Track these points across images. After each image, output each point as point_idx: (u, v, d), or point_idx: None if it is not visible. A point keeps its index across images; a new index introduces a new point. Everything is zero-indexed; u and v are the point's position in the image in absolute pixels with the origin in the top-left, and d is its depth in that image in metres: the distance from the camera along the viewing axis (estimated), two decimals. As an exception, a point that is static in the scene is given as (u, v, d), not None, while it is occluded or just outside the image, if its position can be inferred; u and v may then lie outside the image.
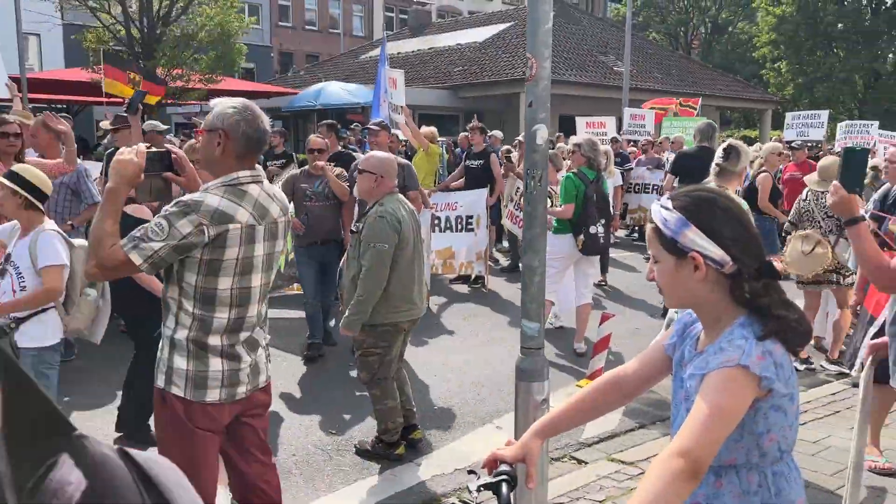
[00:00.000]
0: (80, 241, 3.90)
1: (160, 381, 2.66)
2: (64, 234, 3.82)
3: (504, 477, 1.72)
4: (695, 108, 16.20)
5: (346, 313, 4.24)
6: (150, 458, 0.63)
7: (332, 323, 6.59)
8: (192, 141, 5.18)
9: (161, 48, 17.27)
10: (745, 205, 4.59)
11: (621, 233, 13.22)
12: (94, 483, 0.59)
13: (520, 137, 9.60)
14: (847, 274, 5.82)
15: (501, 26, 27.45)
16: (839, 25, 31.48)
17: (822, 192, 5.70)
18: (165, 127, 8.26)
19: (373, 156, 4.47)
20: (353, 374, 5.31)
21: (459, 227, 8.86)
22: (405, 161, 6.75)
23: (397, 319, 4.29)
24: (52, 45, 25.49)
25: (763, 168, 7.82)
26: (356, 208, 5.80)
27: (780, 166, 9.29)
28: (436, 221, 8.46)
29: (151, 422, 3.80)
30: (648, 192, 12.05)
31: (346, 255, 4.51)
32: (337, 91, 19.50)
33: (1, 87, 7.56)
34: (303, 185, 6.28)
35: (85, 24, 18.70)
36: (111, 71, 11.76)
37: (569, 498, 3.91)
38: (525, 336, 3.22)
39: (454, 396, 5.56)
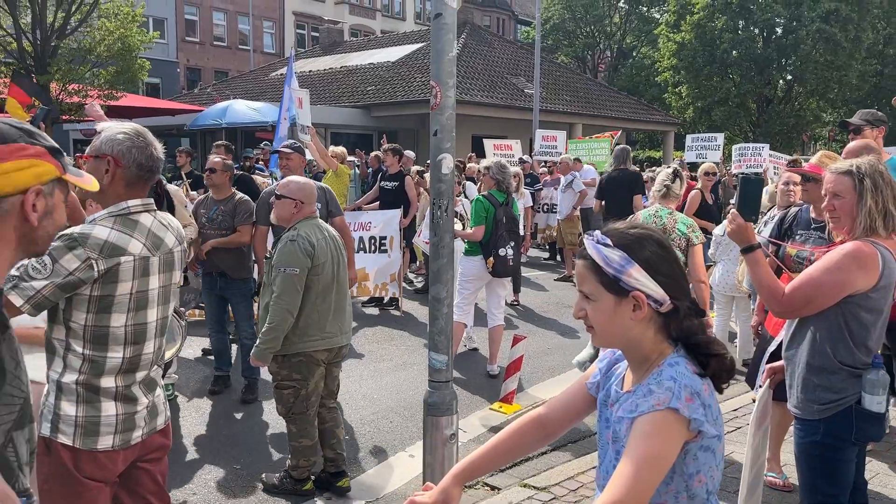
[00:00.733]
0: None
1: (45, 430, 2.45)
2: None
3: None
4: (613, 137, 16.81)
5: (257, 342, 4.07)
6: None
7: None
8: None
9: (55, 62, 16.46)
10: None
11: (533, 252, 13.48)
12: None
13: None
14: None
15: (415, 46, 27.55)
16: (734, 52, 33.21)
17: None
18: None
19: (291, 181, 4.32)
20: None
21: (373, 247, 8.77)
22: (325, 185, 6.60)
23: (310, 349, 4.11)
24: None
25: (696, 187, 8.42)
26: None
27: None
28: (348, 243, 8.34)
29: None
30: (555, 213, 12.49)
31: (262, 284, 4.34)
32: (243, 109, 19.05)
33: None
34: (202, 211, 6.08)
35: (-27, 35, 17.67)
36: (17, 92, 11.12)
37: (483, 527, 3.88)
38: (433, 370, 3.17)
39: (366, 425, 5.45)
